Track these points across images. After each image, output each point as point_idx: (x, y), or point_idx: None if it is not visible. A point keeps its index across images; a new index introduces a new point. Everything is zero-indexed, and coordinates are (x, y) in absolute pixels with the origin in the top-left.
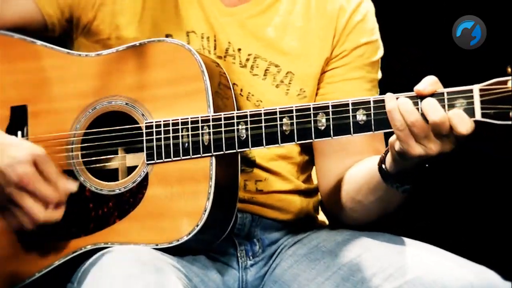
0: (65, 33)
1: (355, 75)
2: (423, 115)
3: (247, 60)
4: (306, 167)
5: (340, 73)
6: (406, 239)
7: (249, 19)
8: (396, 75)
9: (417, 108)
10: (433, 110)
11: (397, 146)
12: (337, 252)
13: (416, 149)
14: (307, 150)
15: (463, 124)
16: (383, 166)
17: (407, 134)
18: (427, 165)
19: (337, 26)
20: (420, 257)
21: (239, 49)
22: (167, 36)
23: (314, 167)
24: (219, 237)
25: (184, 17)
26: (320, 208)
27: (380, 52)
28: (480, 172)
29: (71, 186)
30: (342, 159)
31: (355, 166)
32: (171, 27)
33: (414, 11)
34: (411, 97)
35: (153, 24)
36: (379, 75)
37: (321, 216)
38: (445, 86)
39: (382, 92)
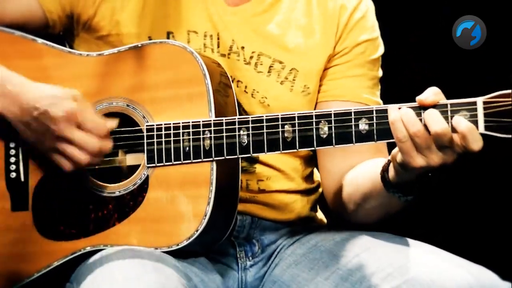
0: (66, 29)
1: (356, 72)
2: (425, 125)
3: (251, 57)
4: (309, 162)
5: (342, 70)
6: (405, 239)
7: (252, 18)
8: (396, 76)
9: (420, 119)
10: (436, 121)
11: (399, 157)
12: (336, 252)
13: (418, 161)
14: None
15: (476, 142)
16: (386, 175)
17: (410, 145)
18: (430, 174)
19: (339, 24)
20: (419, 257)
21: (243, 47)
22: (168, 33)
23: (316, 165)
24: (219, 240)
25: (186, 15)
26: (318, 207)
27: (381, 49)
28: (479, 171)
29: (111, 123)
30: (344, 157)
31: (357, 168)
32: (172, 24)
33: (414, 11)
34: (413, 108)
35: (153, 21)
36: (380, 73)
37: (320, 215)
38: (445, 87)
39: (381, 93)
